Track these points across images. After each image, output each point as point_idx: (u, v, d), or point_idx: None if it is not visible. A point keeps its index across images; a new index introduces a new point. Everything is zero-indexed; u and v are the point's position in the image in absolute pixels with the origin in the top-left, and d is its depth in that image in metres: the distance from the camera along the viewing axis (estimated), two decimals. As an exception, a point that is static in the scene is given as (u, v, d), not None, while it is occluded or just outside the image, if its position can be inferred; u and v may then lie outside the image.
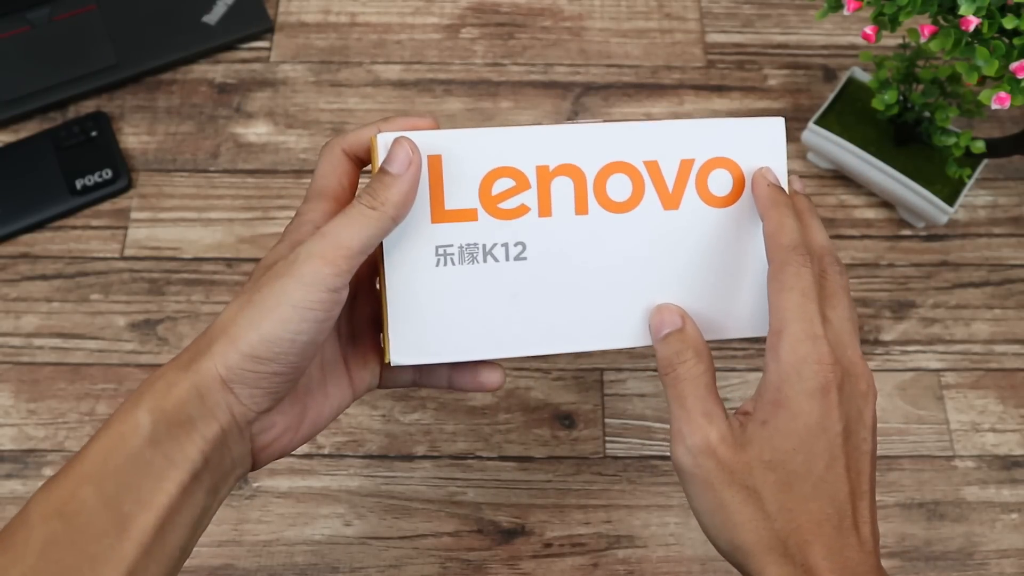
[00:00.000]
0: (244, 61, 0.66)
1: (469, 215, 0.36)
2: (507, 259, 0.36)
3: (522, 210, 0.36)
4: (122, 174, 0.61)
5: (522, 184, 0.36)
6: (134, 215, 0.61)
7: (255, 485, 0.53)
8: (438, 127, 0.37)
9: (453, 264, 0.36)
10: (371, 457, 0.54)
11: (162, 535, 0.31)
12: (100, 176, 0.61)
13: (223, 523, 0.52)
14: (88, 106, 0.64)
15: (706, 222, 0.37)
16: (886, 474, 0.54)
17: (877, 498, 0.53)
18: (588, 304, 0.37)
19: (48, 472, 0.53)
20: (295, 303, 0.32)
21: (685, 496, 0.34)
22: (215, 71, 0.66)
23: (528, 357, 0.56)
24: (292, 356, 0.33)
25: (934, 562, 0.52)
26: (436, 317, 0.36)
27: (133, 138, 0.63)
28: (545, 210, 0.36)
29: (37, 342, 0.57)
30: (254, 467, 0.36)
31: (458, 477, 0.54)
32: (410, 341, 0.36)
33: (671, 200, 0.37)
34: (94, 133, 0.62)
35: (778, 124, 0.38)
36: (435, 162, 0.35)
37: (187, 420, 0.32)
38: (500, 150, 0.36)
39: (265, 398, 0.34)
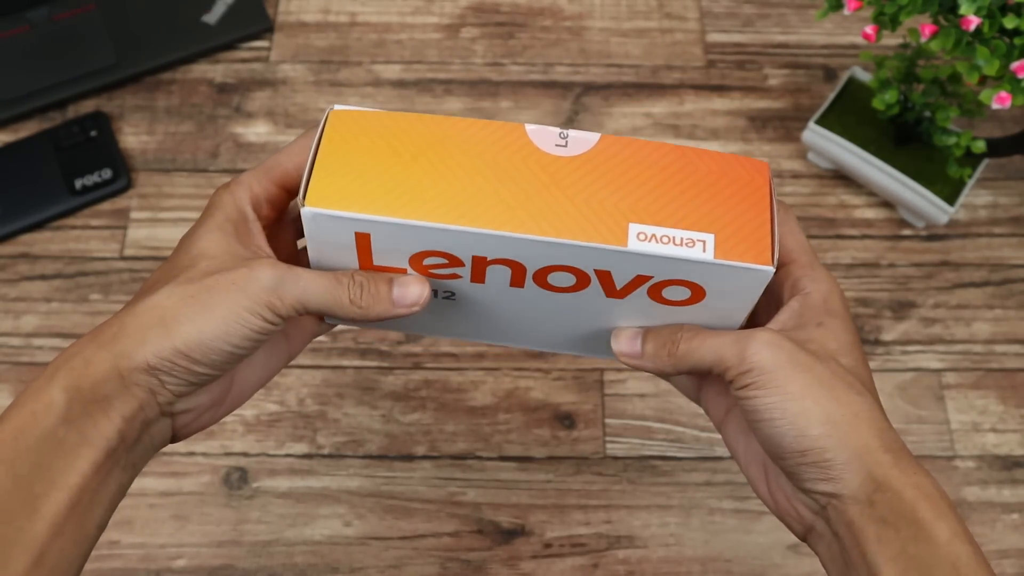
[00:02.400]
0: (244, 61, 0.66)
1: (398, 271, 0.34)
2: (435, 296, 0.35)
3: (454, 276, 0.34)
4: (121, 174, 0.61)
5: (455, 264, 0.33)
6: (134, 215, 0.61)
7: (255, 485, 0.53)
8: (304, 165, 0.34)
9: None
10: (371, 457, 0.54)
11: (76, 514, 0.31)
12: (99, 176, 0.61)
13: (223, 523, 0.52)
14: (88, 106, 0.64)
15: (652, 313, 0.34)
16: (886, 474, 0.54)
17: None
18: (511, 331, 0.38)
19: (47, 472, 0.53)
20: (241, 321, 0.32)
21: (762, 403, 0.32)
22: (215, 71, 0.66)
23: (527, 358, 0.56)
24: (224, 364, 0.33)
25: (934, 562, 0.51)
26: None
27: (133, 138, 0.63)
28: (479, 280, 0.34)
29: (36, 342, 0.57)
30: (173, 441, 0.36)
31: (458, 477, 0.54)
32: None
33: (617, 293, 0.34)
34: (94, 133, 0.62)
35: (764, 275, 0.31)
36: (363, 237, 0.32)
37: (103, 398, 0.31)
38: (434, 240, 0.32)
39: (189, 388, 0.33)
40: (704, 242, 0.31)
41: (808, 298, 0.34)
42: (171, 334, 0.31)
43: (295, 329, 0.39)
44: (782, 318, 0.34)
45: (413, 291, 0.34)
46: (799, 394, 0.32)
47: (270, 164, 0.36)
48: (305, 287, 0.32)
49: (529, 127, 0.32)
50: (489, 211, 0.31)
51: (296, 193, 0.34)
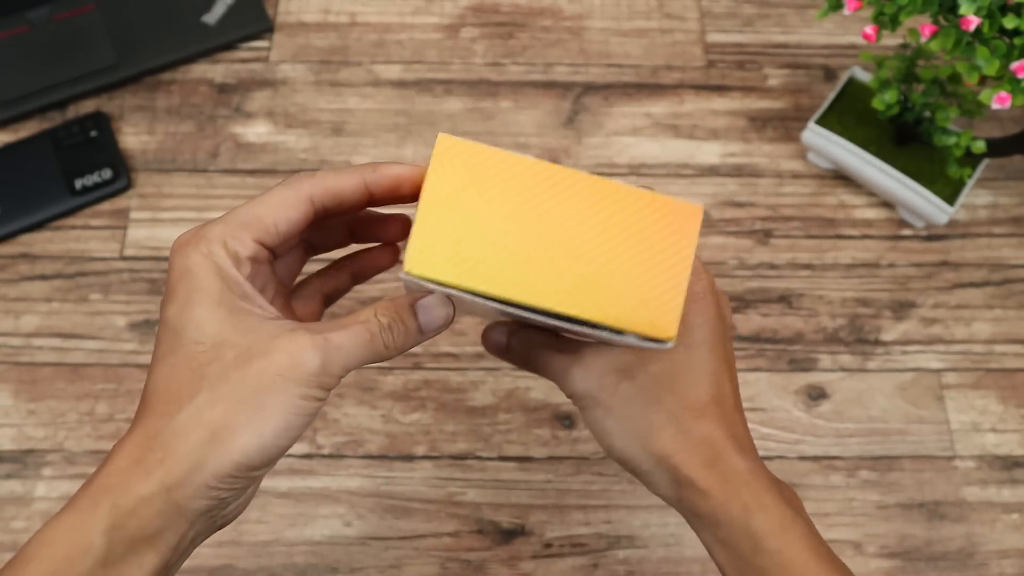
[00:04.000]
0: (244, 61, 0.66)
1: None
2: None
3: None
4: (122, 174, 0.61)
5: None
6: (133, 215, 0.61)
7: (255, 485, 0.53)
8: (424, 171, 0.32)
9: None
10: (371, 457, 0.54)
11: None
12: (100, 176, 0.61)
13: (223, 523, 0.52)
14: (88, 106, 0.64)
15: None
16: (886, 474, 0.54)
17: (877, 498, 0.53)
18: None
19: (47, 472, 0.53)
20: (298, 411, 0.29)
21: (586, 422, 0.36)
22: (215, 71, 0.66)
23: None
24: (283, 454, 0.30)
25: (935, 562, 0.52)
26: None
27: (133, 138, 0.63)
28: None
29: (37, 342, 0.57)
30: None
31: (458, 477, 0.54)
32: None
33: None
34: (94, 133, 0.62)
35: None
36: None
37: (153, 533, 0.28)
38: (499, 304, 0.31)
39: (243, 491, 0.31)
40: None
41: None
42: (229, 449, 0.28)
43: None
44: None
45: (438, 315, 0.32)
46: (604, 415, 0.35)
47: (245, 218, 0.32)
48: (347, 353, 0.30)
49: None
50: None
51: (275, 252, 0.34)
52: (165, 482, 0.28)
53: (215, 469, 0.28)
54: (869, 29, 0.50)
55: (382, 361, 0.33)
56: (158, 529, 0.28)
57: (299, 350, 0.29)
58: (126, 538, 0.28)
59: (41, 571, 0.27)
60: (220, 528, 0.32)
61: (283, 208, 0.32)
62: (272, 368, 0.29)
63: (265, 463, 0.30)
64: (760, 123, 0.64)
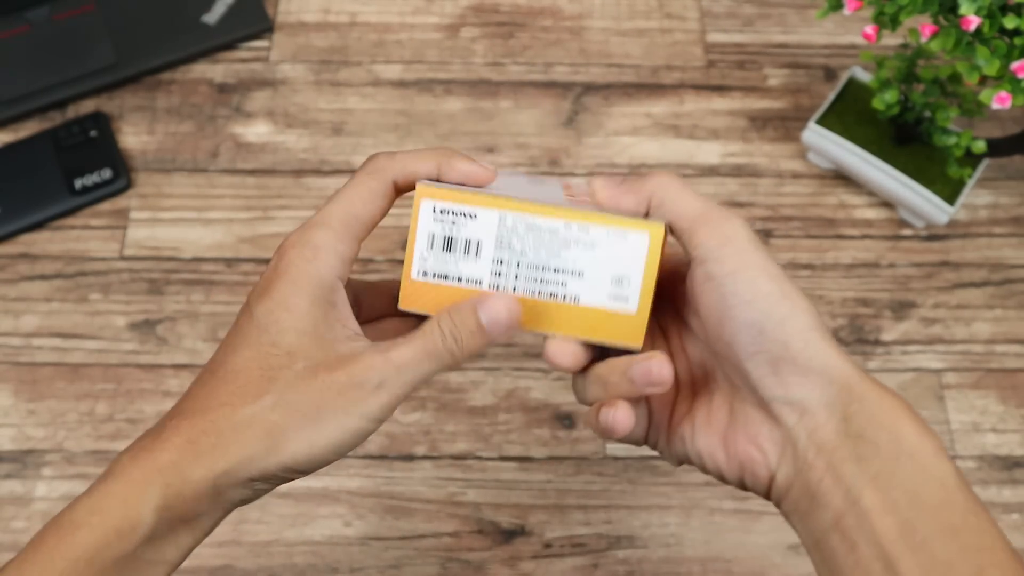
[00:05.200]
0: (244, 61, 0.66)
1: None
2: None
3: None
4: (121, 174, 0.61)
5: None
6: (133, 215, 0.61)
7: (255, 485, 0.53)
8: (494, 175, 0.34)
9: None
10: (371, 457, 0.54)
11: None
12: (99, 176, 0.61)
13: (223, 523, 0.52)
14: (87, 106, 0.64)
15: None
16: (886, 474, 0.54)
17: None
18: None
19: (47, 472, 0.53)
20: (354, 432, 0.30)
21: (731, 285, 0.31)
22: (215, 71, 0.66)
23: (527, 358, 0.56)
24: (324, 466, 0.31)
25: (935, 562, 0.51)
26: None
27: (132, 138, 0.63)
28: None
29: (36, 342, 0.57)
30: None
31: (458, 477, 0.54)
32: None
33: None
34: (93, 133, 0.62)
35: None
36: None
37: (194, 517, 0.30)
38: None
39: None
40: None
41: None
42: (279, 450, 0.30)
43: None
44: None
45: (499, 309, 0.32)
46: (770, 277, 0.30)
47: (346, 219, 0.32)
48: (411, 370, 0.31)
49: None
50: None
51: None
52: (214, 469, 0.29)
53: (262, 466, 0.30)
54: (869, 29, 0.50)
55: (452, 370, 0.32)
56: (198, 513, 0.30)
57: (361, 371, 0.30)
58: (171, 518, 0.29)
59: (91, 540, 0.28)
60: None
61: (373, 202, 0.33)
62: (335, 387, 0.30)
63: (308, 470, 0.31)
64: (760, 123, 0.64)
